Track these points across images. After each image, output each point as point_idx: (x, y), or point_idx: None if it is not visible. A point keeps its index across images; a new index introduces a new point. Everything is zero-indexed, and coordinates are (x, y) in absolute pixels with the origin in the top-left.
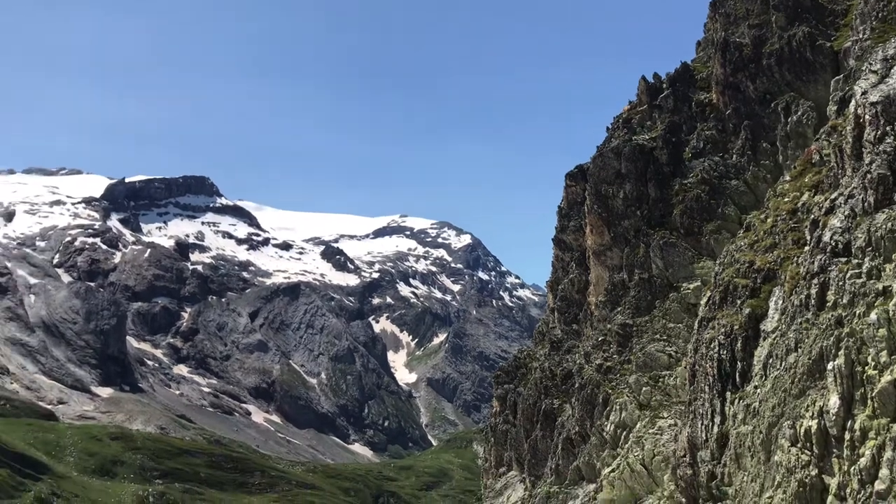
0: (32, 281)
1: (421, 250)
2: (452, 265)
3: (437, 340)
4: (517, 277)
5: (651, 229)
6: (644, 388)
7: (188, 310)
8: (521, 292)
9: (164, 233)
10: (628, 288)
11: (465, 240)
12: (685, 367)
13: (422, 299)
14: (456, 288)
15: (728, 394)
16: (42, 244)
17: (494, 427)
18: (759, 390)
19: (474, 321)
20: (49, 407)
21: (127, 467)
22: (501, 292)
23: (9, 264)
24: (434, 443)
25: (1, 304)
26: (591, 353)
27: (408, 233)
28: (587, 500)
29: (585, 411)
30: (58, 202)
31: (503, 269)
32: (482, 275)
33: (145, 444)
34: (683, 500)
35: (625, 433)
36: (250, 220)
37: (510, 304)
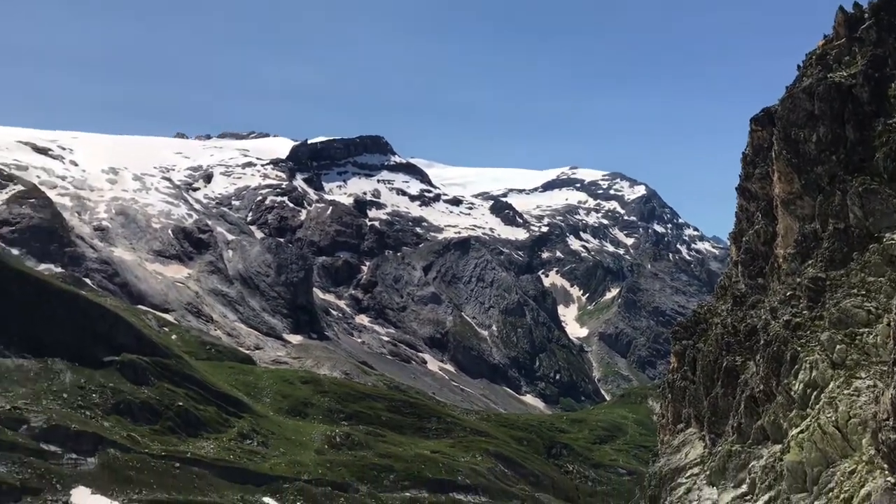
0: (230, 237)
1: (592, 203)
2: (625, 218)
3: (609, 295)
4: (696, 230)
5: (848, 175)
6: (838, 347)
7: (367, 263)
8: (700, 245)
9: (343, 191)
10: (821, 239)
11: (639, 191)
12: (888, 325)
13: (593, 253)
14: (629, 241)
15: None
16: (237, 203)
17: (672, 383)
18: None
19: (649, 275)
20: (247, 352)
21: (316, 409)
22: (678, 245)
23: (209, 222)
24: (607, 397)
25: (204, 258)
26: (777, 309)
27: (578, 185)
28: (772, 461)
29: (771, 369)
30: (249, 164)
31: (680, 220)
32: (657, 227)
33: (332, 388)
34: (885, 465)
35: (815, 393)
36: (422, 176)
37: (688, 257)
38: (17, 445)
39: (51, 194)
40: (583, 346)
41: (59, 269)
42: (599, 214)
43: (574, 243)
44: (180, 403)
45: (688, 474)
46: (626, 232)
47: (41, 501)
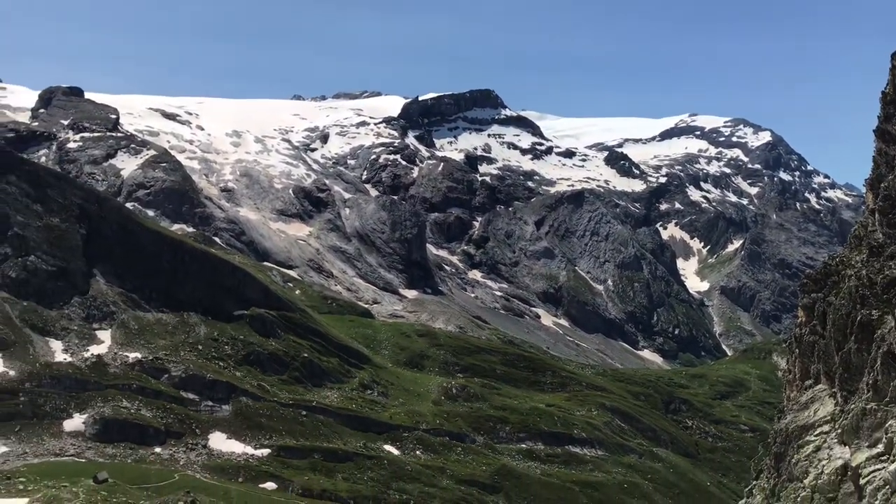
0: (347, 196)
1: (713, 151)
2: (749, 166)
3: (731, 247)
4: (826, 177)
5: None
6: None
7: (479, 219)
8: (831, 193)
9: (454, 147)
10: None
11: (764, 137)
12: None
13: (714, 204)
14: (753, 191)
15: None
16: (352, 162)
17: (799, 338)
18: None
19: (774, 226)
20: (366, 306)
21: (432, 361)
22: (807, 194)
23: (327, 181)
24: (728, 352)
25: (323, 216)
26: None
27: (698, 133)
28: None
29: None
30: (363, 123)
31: (809, 167)
32: (784, 175)
33: (447, 342)
34: None
35: None
36: (533, 129)
37: (817, 206)
38: (160, 393)
39: (180, 158)
40: (703, 300)
41: (190, 229)
42: (721, 163)
43: (694, 194)
44: (305, 355)
45: (817, 432)
46: (749, 181)
47: (183, 445)
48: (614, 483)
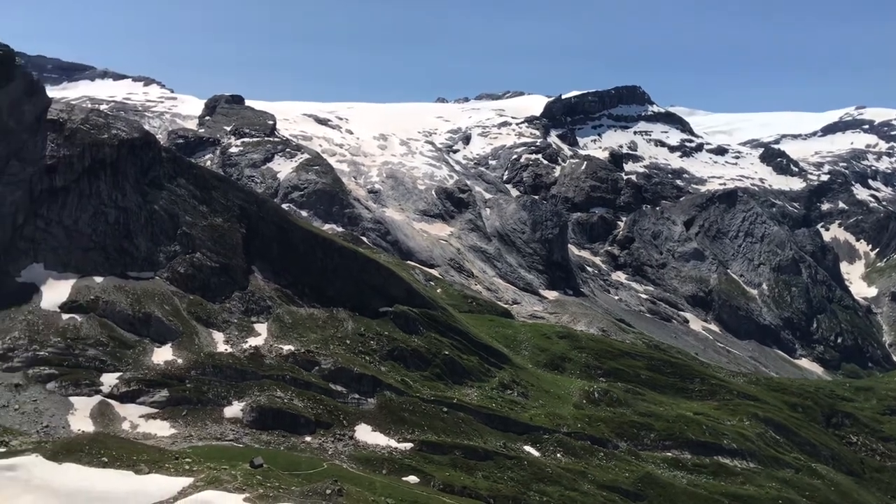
0: (487, 196)
1: (883, 146)
2: None
3: None
4: None
5: None
6: None
7: (623, 219)
8: None
9: (598, 145)
10: None
11: None
12: None
13: (884, 203)
14: None
15: None
16: (493, 163)
17: None
18: None
19: None
20: (505, 306)
21: (573, 364)
22: None
23: (469, 182)
24: None
25: (464, 216)
26: None
27: (866, 127)
28: None
29: None
30: (504, 123)
31: None
32: None
33: (588, 344)
34: None
35: None
36: (682, 126)
37: None
38: (311, 384)
39: (331, 161)
40: (871, 306)
41: (340, 229)
42: (893, 159)
43: (861, 192)
44: (446, 352)
45: None
46: None
47: (331, 435)
48: (768, 498)
